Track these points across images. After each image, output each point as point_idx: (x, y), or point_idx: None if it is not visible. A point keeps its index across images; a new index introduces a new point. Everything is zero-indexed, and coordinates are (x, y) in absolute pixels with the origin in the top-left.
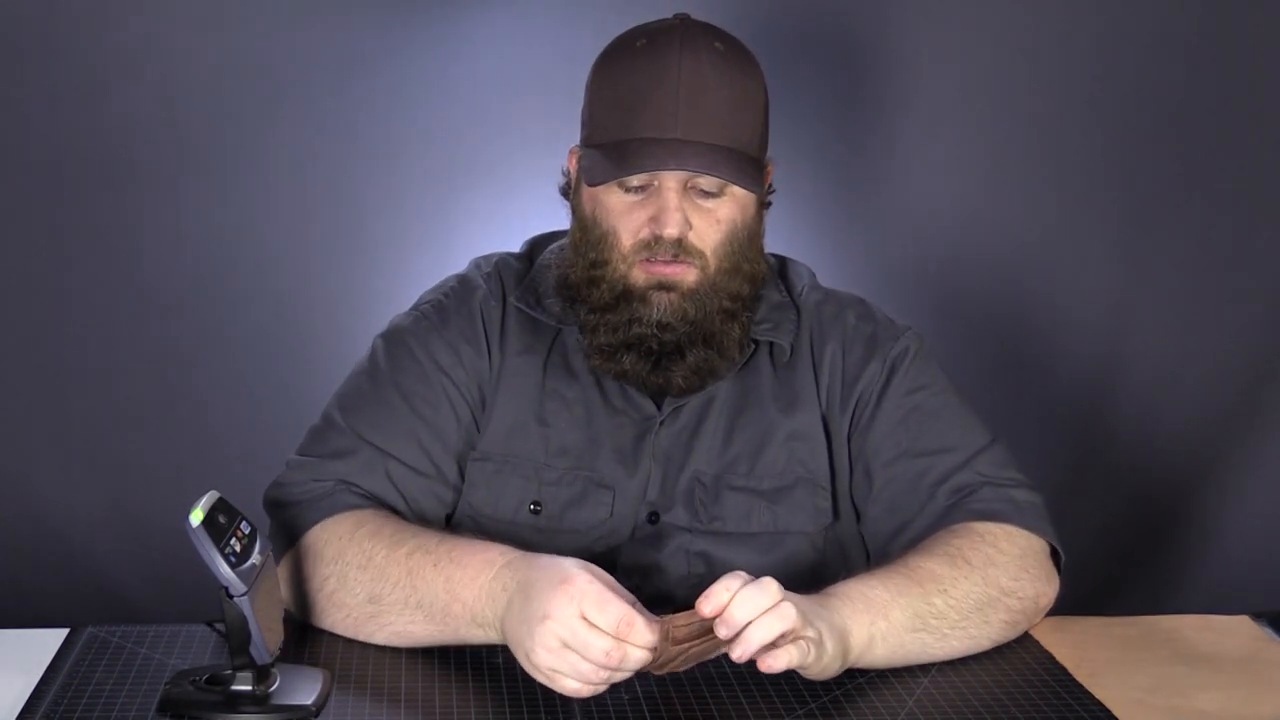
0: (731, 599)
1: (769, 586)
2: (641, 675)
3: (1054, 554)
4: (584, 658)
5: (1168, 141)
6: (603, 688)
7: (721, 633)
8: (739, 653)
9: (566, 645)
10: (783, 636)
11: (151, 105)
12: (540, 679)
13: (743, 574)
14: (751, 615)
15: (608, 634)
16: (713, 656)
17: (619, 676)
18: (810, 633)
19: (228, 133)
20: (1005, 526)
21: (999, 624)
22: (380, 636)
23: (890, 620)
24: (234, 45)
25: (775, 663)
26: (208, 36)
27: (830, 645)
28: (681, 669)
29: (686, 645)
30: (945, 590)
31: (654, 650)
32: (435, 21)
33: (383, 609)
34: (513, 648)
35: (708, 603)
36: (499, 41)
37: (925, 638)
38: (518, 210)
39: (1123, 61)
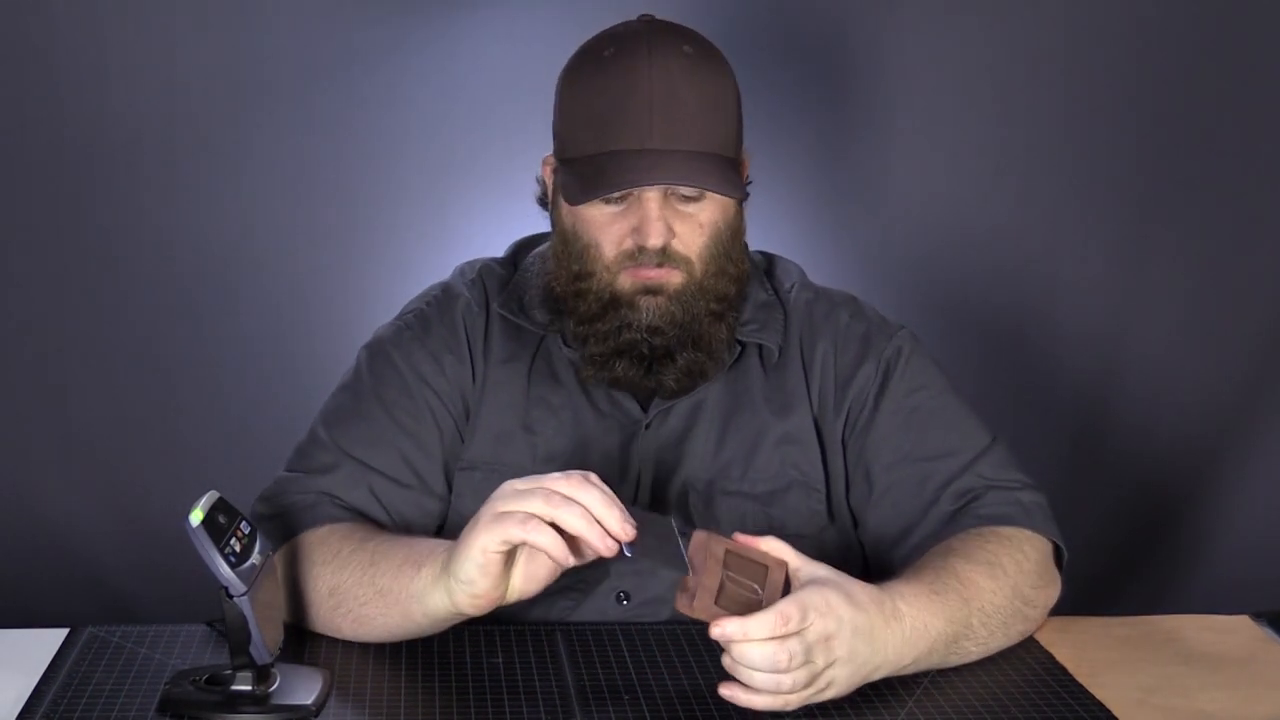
0: (747, 639)
1: (783, 653)
2: (642, 674)
3: (1057, 554)
4: (541, 486)
5: (1167, 137)
6: (550, 535)
7: (725, 662)
8: (724, 689)
9: (518, 491)
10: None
11: (150, 109)
12: (492, 538)
13: (814, 584)
14: (759, 667)
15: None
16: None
17: (569, 518)
18: (819, 661)
19: (226, 135)
20: (1023, 531)
21: (1015, 634)
22: (346, 627)
23: (931, 654)
24: (233, 45)
25: (736, 696)
26: (206, 37)
27: (841, 684)
28: (704, 614)
29: (725, 573)
30: (983, 608)
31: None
32: (434, 21)
33: (341, 599)
34: (462, 545)
35: (759, 542)
36: (498, 41)
37: (951, 658)
38: (517, 211)
39: (1122, 59)
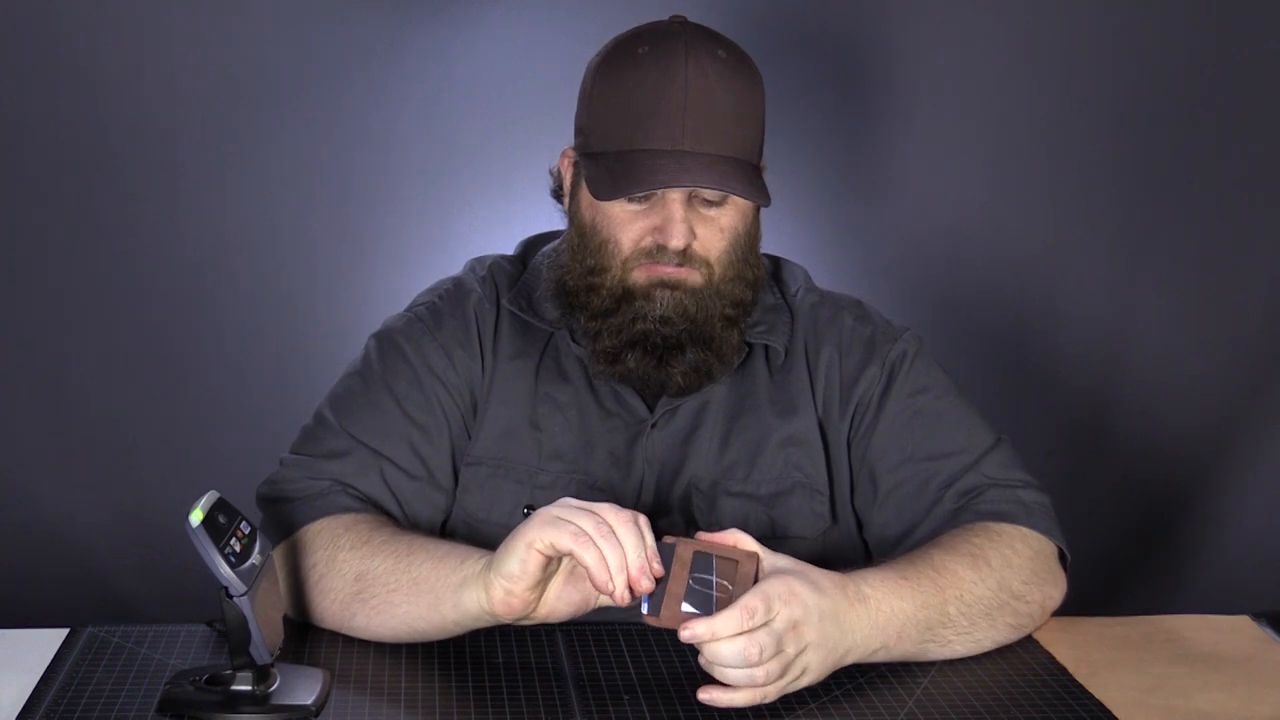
0: (715, 638)
1: (753, 647)
2: (642, 673)
3: (1060, 555)
4: (593, 512)
5: (1168, 143)
6: (600, 550)
7: (701, 662)
8: (703, 694)
9: (574, 509)
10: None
11: (150, 108)
12: (541, 537)
13: (783, 573)
14: (732, 663)
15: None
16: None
17: (611, 552)
18: (791, 650)
19: (226, 134)
20: (1019, 528)
21: (1005, 628)
22: (362, 616)
23: (903, 639)
24: (234, 45)
25: (715, 698)
26: (207, 37)
27: (814, 670)
28: (671, 622)
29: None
30: (961, 596)
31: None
32: (436, 22)
33: (367, 585)
34: (509, 541)
35: (726, 536)
36: (499, 41)
37: (930, 646)
38: (518, 211)
39: (1124, 65)
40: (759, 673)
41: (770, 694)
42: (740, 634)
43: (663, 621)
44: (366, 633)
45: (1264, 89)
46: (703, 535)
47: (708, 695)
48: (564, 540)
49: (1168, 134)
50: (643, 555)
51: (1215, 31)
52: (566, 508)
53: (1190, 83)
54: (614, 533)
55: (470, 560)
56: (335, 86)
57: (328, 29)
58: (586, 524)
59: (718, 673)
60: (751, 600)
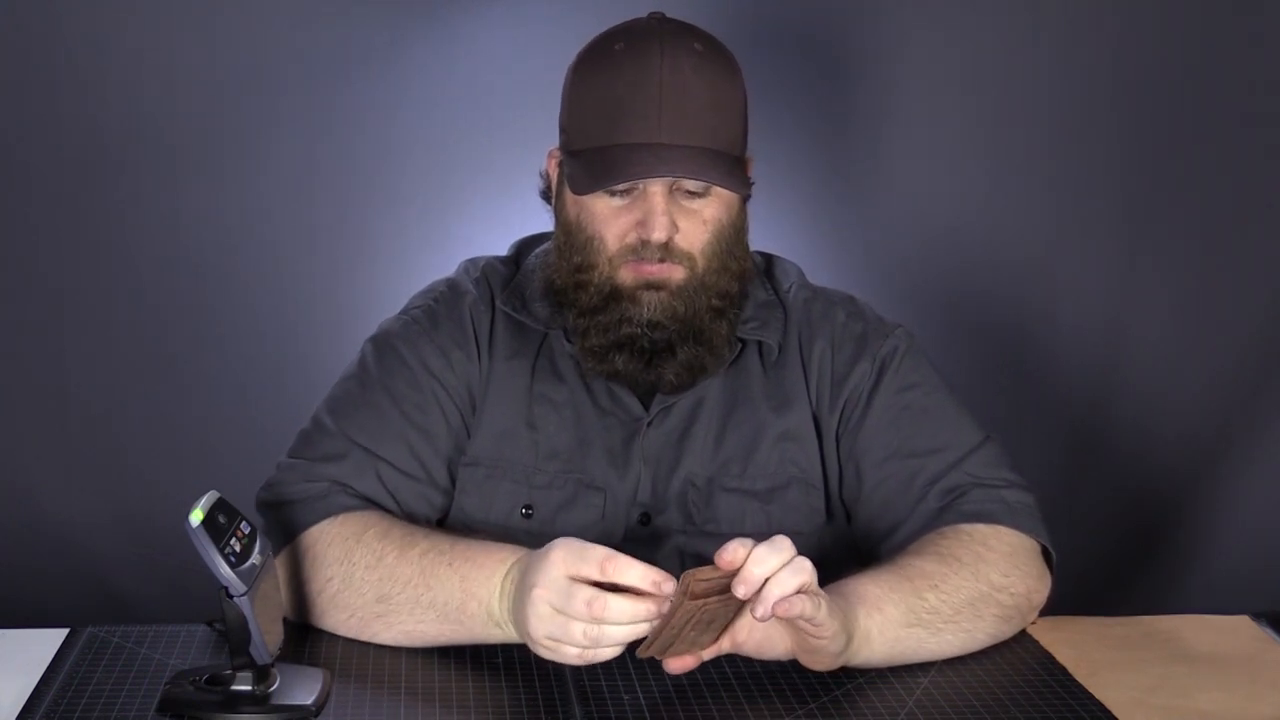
0: (749, 555)
1: (782, 543)
2: (642, 674)
3: (1047, 554)
4: (570, 616)
5: (1167, 143)
6: (603, 653)
7: (740, 591)
8: (760, 612)
9: (555, 610)
10: (798, 591)
11: (150, 108)
12: (544, 654)
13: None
14: (769, 572)
15: (590, 586)
16: (718, 628)
17: (614, 634)
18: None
19: (226, 134)
20: (995, 526)
21: (991, 619)
22: (387, 636)
23: (885, 614)
24: (233, 45)
25: (790, 609)
26: (207, 36)
27: (836, 621)
28: (684, 651)
29: (701, 604)
30: (936, 586)
31: (656, 610)
32: (435, 22)
33: (391, 609)
34: (520, 635)
35: (724, 555)
36: (498, 41)
37: (920, 633)
38: (516, 210)
39: (1123, 65)
40: (803, 562)
41: (825, 596)
42: (763, 544)
43: (680, 652)
44: (393, 644)
45: (1265, 90)
46: (696, 570)
47: (780, 610)
48: (574, 663)
49: (1168, 134)
50: (638, 624)
51: (1216, 32)
52: (553, 625)
53: (1191, 83)
54: (605, 627)
55: (496, 609)
56: (335, 86)
57: (328, 29)
58: (579, 637)
59: (770, 590)
60: (776, 539)
